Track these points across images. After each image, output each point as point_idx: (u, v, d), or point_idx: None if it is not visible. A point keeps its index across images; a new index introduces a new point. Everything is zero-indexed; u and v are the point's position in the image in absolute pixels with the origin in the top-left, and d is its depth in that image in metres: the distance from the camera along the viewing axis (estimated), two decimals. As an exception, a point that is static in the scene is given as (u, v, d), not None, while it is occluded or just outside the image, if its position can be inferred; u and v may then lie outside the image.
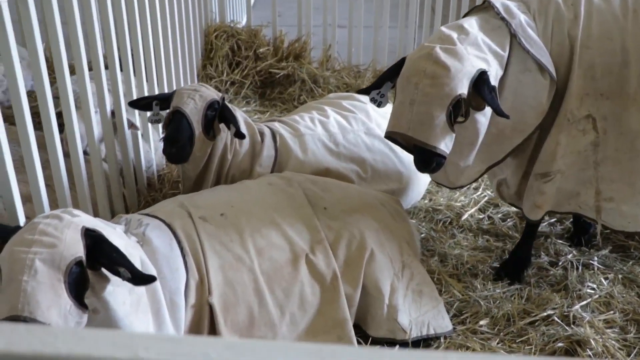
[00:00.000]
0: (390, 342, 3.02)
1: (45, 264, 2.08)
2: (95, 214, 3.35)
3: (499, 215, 4.10)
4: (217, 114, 3.40)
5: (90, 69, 3.39)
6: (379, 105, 3.10)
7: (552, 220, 4.02)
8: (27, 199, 3.02)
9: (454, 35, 2.87)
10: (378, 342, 3.03)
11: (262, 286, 2.79)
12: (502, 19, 2.96)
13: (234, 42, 5.48)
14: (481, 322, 3.23)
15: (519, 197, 3.35)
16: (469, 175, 3.23)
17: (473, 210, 4.14)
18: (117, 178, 3.49)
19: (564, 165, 3.08)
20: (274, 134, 3.71)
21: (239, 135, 3.36)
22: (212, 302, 2.66)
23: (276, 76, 5.49)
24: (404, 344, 3.00)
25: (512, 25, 2.94)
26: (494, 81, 2.86)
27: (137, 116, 3.78)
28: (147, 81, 4.05)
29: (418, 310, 3.07)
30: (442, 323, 3.11)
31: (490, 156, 3.13)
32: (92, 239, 2.23)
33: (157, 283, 2.53)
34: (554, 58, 2.97)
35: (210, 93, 3.39)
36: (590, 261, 3.66)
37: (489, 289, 3.45)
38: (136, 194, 3.80)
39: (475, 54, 2.83)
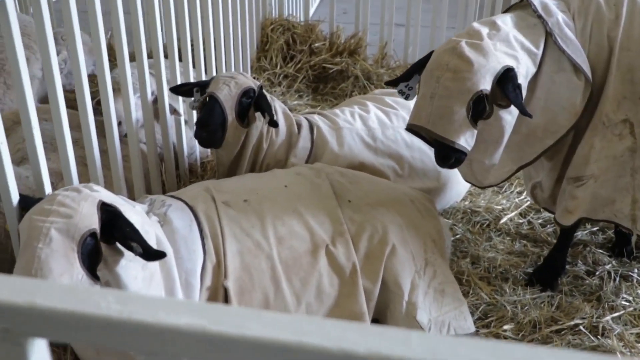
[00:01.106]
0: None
1: (60, 233, 2.18)
2: (131, 196, 3.47)
3: (540, 221, 4.00)
4: (253, 102, 3.45)
5: (150, 57, 3.57)
6: (407, 97, 3.09)
7: (594, 228, 3.90)
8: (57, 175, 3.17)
9: (485, 30, 2.82)
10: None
11: (279, 274, 2.82)
12: (539, 16, 2.89)
13: (289, 35, 5.54)
14: (505, 327, 3.17)
15: (553, 202, 3.27)
16: (498, 175, 3.16)
17: (513, 214, 4.05)
18: (155, 161, 3.59)
19: (597, 170, 2.99)
20: (311, 126, 3.73)
21: (273, 123, 3.41)
22: (228, 285, 2.71)
23: (329, 71, 5.52)
24: (421, 342, 2.97)
25: (548, 23, 2.86)
26: (522, 79, 2.79)
27: (180, 102, 3.87)
28: (205, 72, 4.18)
29: (439, 310, 3.04)
30: (464, 324, 3.07)
31: (521, 156, 3.06)
32: (108, 213, 2.32)
33: (172, 262, 2.61)
34: (591, 59, 2.88)
35: (247, 81, 3.44)
36: (630, 273, 3.53)
37: (519, 294, 3.38)
38: (176, 179, 3.91)
39: (503, 51, 2.77)
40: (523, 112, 2.75)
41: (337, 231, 2.98)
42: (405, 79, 3.07)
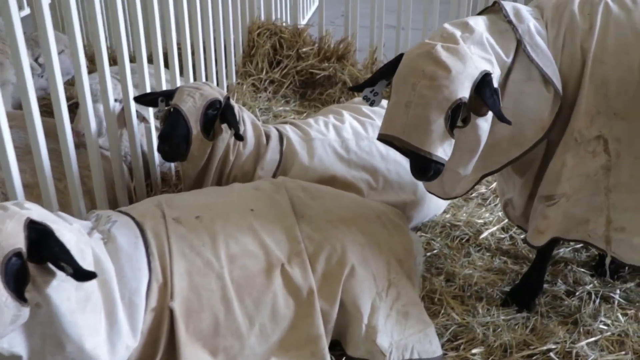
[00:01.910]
0: (370, 363, 2.87)
1: None
2: (93, 206, 3.37)
3: (522, 236, 3.83)
4: (219, 114, 3.34)
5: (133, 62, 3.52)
6: (372, 104, 2.91)
7: (578, 245, 3.73)
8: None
9: (457, 33, 2.64)
10: (357, 361, 2.89)
11: (230, 294, 2.70)
12: (509, 22, 2.73)
13: (276, 40, 5.41)
14: (474, 350, 3.02)
15: (526, 220, 3.11)
16: (464, 184, 2.99)
17: (495, 228, 3.89)
18: (119, 170, 3.48)
19: (570, 189, 2.82)
20: (281, 137, 3.61)
21: (238, 137, 3.29)
22: (173, 306, 2.59)
23: (317, 77, 5.38)
24: (382, 366, 2.84)
25: (518, 30, 2.70)
26: (496, 84, 2.63)
27: (150, 110, 3.77)
28: (181, 76, 4.09)
29: (402, 333, 2.89)
30: (429, 348, 2.92)
31: (484, 165, 2.88)
32: (37, 232, 2.20)
33: (112, 282, 2.49)
34: (563, 71, 2.72)
35: (212, 92, 3.33)
36: (612, 294, 3.36)
37: (493, 315, 3.22)
38: (146, 189, 3.80)
39: (479, 54, 2.60)
40: (501, 118, 2.56)
41: (293, 250, 2.85)
42: (371, 84, 2.88)
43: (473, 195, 4.28)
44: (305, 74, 5.42)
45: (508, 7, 2.79)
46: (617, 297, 3.34)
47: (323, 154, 3.60)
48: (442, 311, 3.25)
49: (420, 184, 3.69)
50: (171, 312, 2.60)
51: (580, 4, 2.77)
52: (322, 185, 3.29)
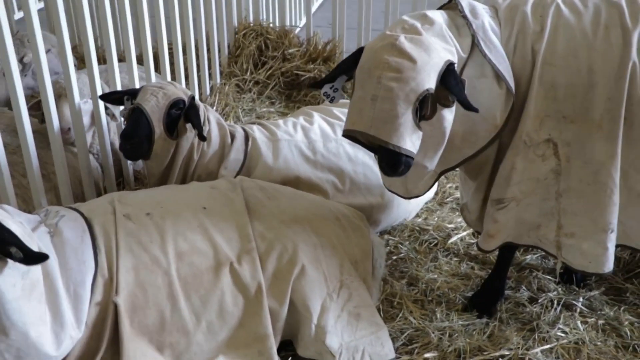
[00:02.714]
0: (319, 364, 2.87)
1: None
2: (58, 202, 3.40)
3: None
4: (183, 114, 3.35)
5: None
6: (332, 100, 2.85)
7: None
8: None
9: (418, 24, 2.60)
10: (307, 362, 2.88)
11: (176, 291, 2.71)
12: (464, 17, 2.71)
13: (262, 41, 5.42)
14: (427, 355, 3.00)
15: (482, 224, 3.07)
16: (425, 183, 2.95)
17: (464, 233, 3.87)
18: (86, 167, 3.51)
19: (519, 193, 2.79)
20: (247, 137, 3.62)
21: (201, 137, 3.30)
22: (117, 301, 2.61)
23: (302, 78, 5.38)
24: (331, 367, 2.83)
25: (472, 25, 2.67)
26: None
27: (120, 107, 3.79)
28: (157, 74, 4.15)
29: (352, 334, 2.88)
30: (381, 350, 2.91)
31: (442, 162, 2.83)
32: None
33: (56, 274, 2.51)
34: (515, 73, 2.69)
35: (176, 91, 3.34)
36: (574, 302, 3.32)
37: (451, 320, 3.20)
38: (117, 187, 3.83)
39: (441, 46, 2.56)
40: (468, 107, 2.51)
41: (244, 249, 2.85)
42: (330, 80, 2.82)
43: (448, 199, 4.26)
44: (290, 75, 5.42)
45: (464, 3, 2.77)
46: (579, 305, 3.30)
47: (288, 154, 3.60)
48: (400, 315, 3.23)
49: (388, 187, 3.69)
50: (116, 307, 2.61)
51: (533, 5, 2.75)
52: (281, 186, 3.28)
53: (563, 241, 2.84)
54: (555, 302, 3.32)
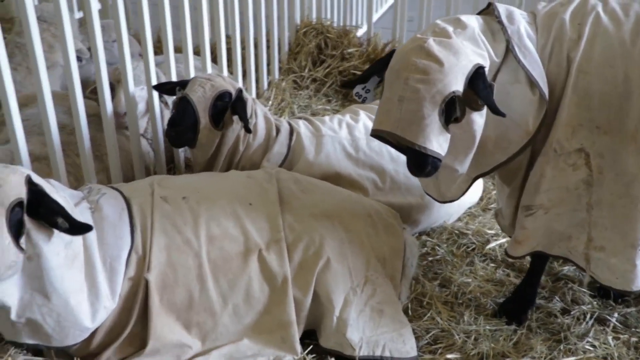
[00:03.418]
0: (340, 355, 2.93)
1: None
2: (108, 182, 3.58)
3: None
4: (230, 106, 3.47)
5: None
6: (364, 101, 2.93)
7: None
8: (36, 158, 3.33)
9: (450, 28, 2.64)
10: (328, 352, 2.94)
11: (206, 273, 2.82)
12: (500, 22, 2.72)
13: (321, 39, 5.51)
14: (449, 356, 3.02)
15: (514, 230, 3.07)
16: (459, 187, 2.95)
17: (504, 240, 3.84)
18: (137, 152, 3.68)
19: (547, 201, 2.77)
20: (292, 132, 3.71)
21: (247, 129, 3.42)
22: (149, 278, 2.74)
23: (359, 78, 5.43)
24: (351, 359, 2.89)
25: (507, 30, 2.68)
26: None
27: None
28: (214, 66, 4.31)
29: (374, 330, 2.93)
30: (402, 348, 2.94)
31: (475, 165, 2.84)
32: (33, 190, 2.42)
33: (94, 248, 2.67)
34: (550, 80, 2.68)
35: (223, 84, 3.46)
36: (608, 317, 3.26)
37: (479, 324, 3.20)
38: (168, 172, 3.99)
39: (472, 49, 2.59)
40: (495, 111, 2.54)
41: (273, 238, 2.94)
42: (362, 81, 2.90)
43: (492, 205, 4.24)
44: (347, 75, 5.48)
45: (501, 8, 2.78)
46: (613, 320, 3.24)
47: (331, 150, 3.68)
48: (428, 315, 3.25)
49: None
50: (147, 283, 2.75)
51: (572, 13, 2.73)
52: (317, 180, 3.36)
53: (592, 254, 2.81)
54: (588, 315, 3.26)
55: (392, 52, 2.73)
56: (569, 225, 2.82)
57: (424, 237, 3.86)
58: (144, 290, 2.75)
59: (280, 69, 5.39)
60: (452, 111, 2.56)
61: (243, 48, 4.85)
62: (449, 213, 3.92)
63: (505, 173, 2.98)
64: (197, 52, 4.31)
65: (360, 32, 5.92)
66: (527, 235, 2.87)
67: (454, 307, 3.34)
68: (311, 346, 2.96)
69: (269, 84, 5.22)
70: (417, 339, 3.10)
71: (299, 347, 2.89)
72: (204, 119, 3.39)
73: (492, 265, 3.68)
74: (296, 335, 2.89)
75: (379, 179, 3.71)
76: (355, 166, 3.68)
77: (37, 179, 2.51)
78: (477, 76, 2.52)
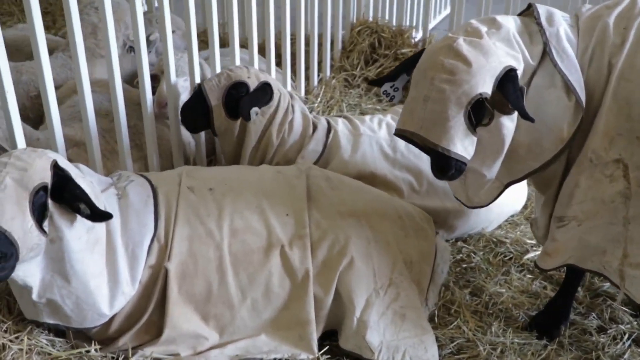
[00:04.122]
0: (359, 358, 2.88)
1: (14, 182, 2.35)
2: (146, 170, 3.63)
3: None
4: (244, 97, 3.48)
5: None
6: (391, 99, 2.87)
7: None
8: (75, 144, 3.41)
9: (483, 28, 2.55)
10: (346, 354, 2.90)
11: (226, 265, 2.82)
12: (539, 24, 2.61)
13: (375, 39, 5.45)
14: (471, 367, 2.93)
15: None
16: (489, 193, 2.85)
17: (544, 251, 3.70)
18: (177, 142, 3.72)
19: (581, 213, 2.64)
20: (329, 130, 3.68)
21: (244, 117, 3.45)
22: (169, 267, 2.77)
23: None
24: (369, 363, 2.83)
25: (546, 32, 2.57)
26: (521, 83, 2.51)
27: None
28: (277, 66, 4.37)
29: (395, 334, 2.87)
30: (423, 355, 2.87)
31: (508, 172, 2.75)
32: (59, 176, 2.48)
33: (117, 234, 2.71)
34: (589, 86, 2.55)
35: (241, 75, 3.48)
36: (647, 338, 3.11)
37: (507, 336, 3.09)
38: (206, 163, 4.02)
39: (504, 50, 2.50)
40: (524, 115, 2.45)
41: (297, 234, 2.92)
42: (391, 79, 2.85)
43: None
44: (400, 75, 5.40)
45: (541, 9, 2.67)
46: (652, 342, 3.08)
47: (368, 149, 3.63)
48: (455, 323, 3.17)
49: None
50: (167, 272, 2.77)
51: (618, 17, 2.59)
52: (349, 178, 3.31)
53: (627, 271, 2.67)
54: (626, 335, 3.11)
55: (422, 50, 2.66)
56: (604, 239, 2.69)
57: (459, 244, 3.76)
58: (164, 278, 2.78)
59: (332, 66, 5.37)
60: (480, 114, 2.48)
61: (294, 44, 4.87)
62: (489, 220, 3.81)
63: (540, 181, 2.86)
64: (244, 46, 4.36)
65: (417, 37, 5.83)
66: (558, 247, 2.75)
67: (483, 317, 3.24)
68: (327, 347, 2.92)
69: (320, 81, 5.20)
70: (441, 347, 3.02)
71: (315, 346, 2.86)
72: (216, 106, 3.44)
73: (529, 276, 3.55)
74: (314, 334, 2.86)
75: (415, 181, 3.64)
76: (391, 167, 3.62)
77: (64, 163, 2.57)
78: (507, 78, 2.43)
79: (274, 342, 2.86)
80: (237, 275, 2.83)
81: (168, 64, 3.50)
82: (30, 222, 2.36)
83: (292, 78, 4.89)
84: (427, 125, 2.47)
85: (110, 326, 2.77)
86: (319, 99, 4.95)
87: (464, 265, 3.60)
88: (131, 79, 4.40)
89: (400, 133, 2.63)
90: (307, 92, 5.06)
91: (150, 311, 2.78)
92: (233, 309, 2.83)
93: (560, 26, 2.61)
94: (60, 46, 4.48)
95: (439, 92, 2.42)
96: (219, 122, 3.45)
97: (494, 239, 3.79)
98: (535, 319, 3.18)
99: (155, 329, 2.78)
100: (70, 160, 3.07)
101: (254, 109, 3.40)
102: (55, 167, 2.49)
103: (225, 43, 4.77)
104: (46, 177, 2.43)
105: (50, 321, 2.69)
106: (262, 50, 4.47)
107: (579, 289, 3.40)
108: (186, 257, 2.81)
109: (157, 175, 3.04)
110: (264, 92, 3.47)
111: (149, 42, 5.10)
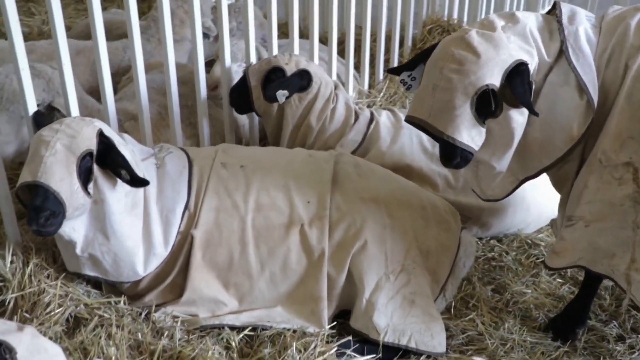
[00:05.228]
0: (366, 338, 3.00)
1: (64, 147, 2.66)
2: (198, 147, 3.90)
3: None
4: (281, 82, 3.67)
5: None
6: (408, 88, 2.95)
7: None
8: (132, 117, 3.72)
9: (499, 22, 2.62)
10: (355, 333, 3.03)
11: (248, 237, 3.02)
12: (559, 21, 2.64)
13: (444, 37, 5.48)
14: (476, 358, 2.99)
15: None
16: (502, 186, 2.90)
17: (579, 257, 3.67)
18: (229, 123, 3.96)
19: (589, 213, 2.65)
20: (371, 121, 3.80)
21: (265, 98, 3.66)
22: (195, 234, 3.00)
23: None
24: (374, 344, 2.96)
25: (564, 30, 2.61)
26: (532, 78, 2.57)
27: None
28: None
29: (402, 319, 2.97)
30: (429, 341, 2.96)
31: (522, 167, 2.80)
32: (104, 144, 2.78)
33: (152, 201, 2.97)
34: (605, 87, 2.57)
35: (279, 61, 3.67)
36: (665, 351, 3.05)
37: (521, 334, 3.13)
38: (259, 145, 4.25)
39: (518, 45, 2.56)
40: (530, 109, 2.52)
41: (317, 215, 3.07)
42: (409, 68, 2.92)
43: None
44: (466, 75, 5.42)
45: (565, 8, 2.70)
46: (669, 355, 3.03)
47: (407, 142, 3.72)
48: (470, 316, 3.23)
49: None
50: (192, 239, 3.01)
51: None
52: (381, 168, 3.42)
53: (633, 276, 2.66)
54: (645, 345, 3.08)
55: (439, 41, 2.76)
56: (614, 243, 2.69)
57: (493, 242, 3.79)
58: (189, 245, 3.01)
59: (399, 62, 5.46)
60: (487, 105, 2.55)
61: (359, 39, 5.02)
62: (526, 222, 3.81)
63: (555, 180, 2.89)
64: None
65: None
66: (565, 246, 2.77)
67: (500, 313, 3.28)
68: (335, 323, 3.07)
69: (386, 76, 5.31)
70: (451, 337, 3.10)
71: (325, 322, 3.01)
72: (255, 88, 3.66)
73: (559, 280, 3.54)
74: (325, 310, 3.01)
75: (452, 177, 3.71)
76: (428, 161, 3.71)
77: (109, 132, 2.85)
78: (516, 72, 2.50)
79: (288, 315, 3.04)
80: (257, 248, 3.03)
81: (223, 48, 3.73)
82: (76, 184, 2.65)
83: (355, 74, 5.04)
84: (434, 114, 2.57)
85: (140, 283, 3.04)
86: (381, 94, 5.06)
87: (494, 264, 3.63)
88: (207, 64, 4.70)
89: (410, 120, 2.74)
90: (370, 86, 5.18)
91: (175, 273, 3.03)
92: (252, 279, 3.03)
93: (581, 25, 2.63)
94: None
95: (447, 82, 2.53)
96: (258, 103, 3.67)
97: (529, 241, 3.80)
98: (553, 320, 3.19)
99: (179, 290, 3.03)
100: (126, 132, 3.39)
101: (282, 92, 3.59)
102: (101, 136, 2.77)
103: (304, 35, 5.01)
104: (92, 145, 2.72)
105: (91, 273, 2.98)
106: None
107: (607, 296, 3.39)
108: (212, 226, 3.03)
109: (195, 150, 3.28)
110: (299, 78, 3.65)
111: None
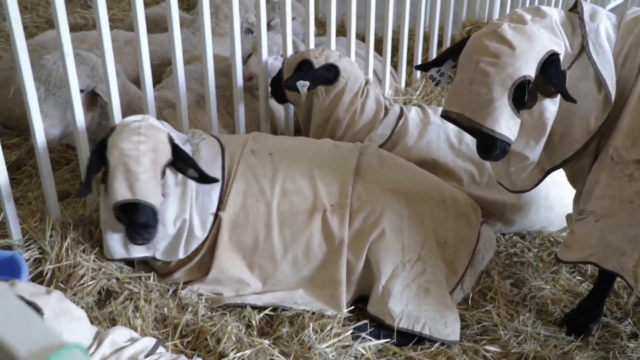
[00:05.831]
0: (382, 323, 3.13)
1: (151, 161, 2.91)
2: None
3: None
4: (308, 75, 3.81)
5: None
6: (437, 84, 3.04)
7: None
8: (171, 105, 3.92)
9: (528, 16, 2.70)
10: (372, 318, 3.16)
11: (273, 222, 3.18)
12: (580, 17, 2.71)
13: (482, 38, 5.54)
14: (489, 347, 3.08)
15: None
16: (532, 177, 2.97)
17: (600, 256, 3.71)
18: (265, 113, 4.13)
19: (599, 208, 2.71)
20: (400, 116, 3.91)
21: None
22: (223, 216, 3.17)
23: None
24: (389, 329, 3.08)
25: (585, 27, 2.68)
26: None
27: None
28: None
29: (417, 306, 3.09)
30: (443, 329, 3.07)
31: (548, 158, 2.86)
32: (175, 148, 3.01)
33: (191, 186, 3.13)
34: (620, 85, 2.64)
35: (309, 54, 3.83)
36: (678, 351, 3.09)
37: (535, 327, 3.20)
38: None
39: (548, 36, 2.63)
40: (567, 97, 2.58)
41: (339, 203, 3.20)
42: (438, 64, 3.01)
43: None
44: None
45: (587, 6, 2.77)
46: (681, 355, 3.06)
47: (434, 138, 3.82)
48: (487, 308, 3.31)
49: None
50: (220, 221, 3.18)
51: None
52: (405, 161, 3.52)
53: None
54: (660, 345, 3.12)
55: (468, 37, 2.83)
56: (624, 241, 2.75)
57: (515, 238, 3.86)
58: (217, 226, 3.18)
59: (437, 62, 5.54)
60: (523, 96, 2.61)
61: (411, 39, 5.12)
62: (549, 219, 3.86)
63: (571, 175, 2.97)
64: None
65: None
66: (575, 239, 2.84)
67: (517, 307, 3.36)
68: (353, 307, 3.20)
69: (423, 75, 5.40)
70: (466, 326, 3.20)
71: (344, 306, 3.14)
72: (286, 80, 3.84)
73: (579, 278, 3.59)
74: (344, 294, 3.15)
75: (477, 173, 3.79)
76: (455, 156, 3.79)
77: (171, 132, 3.09)
78: (550, 62, 2.57)
79: (309, 298, 3.18)
80: (282, 232, 3.18)
81: (260, 41, 3.90)
82: (160, 190, 2.94)
83: (392, 72, 5.15)
84: (472, 107, 2.64)
85: (171, 262, 3.22)
86: (417, 92, 5.16)
87: (515, 259, 3.70)
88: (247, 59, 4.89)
89: (446, 114, 2.82)
90: (407, 84, 5.29)
91: (203, 252, 3.20)
92: (275, 262, 3.18)
93: (602, 23, 2.70)
94: (185, 22, 5.04)
95: (484, 75, 2.60)
96: (289, 93, 3.86)
97: (552, 238, 3.86)
98: (568, 315, 3.26)
99: (206, 269, 3.20)
100: (165, 119, 3.59)
101: (302, 82, 3.73)
102: (171, 142, 2.99)
103: (342, 32, 5.14)
104: (169, 153, 2.97)
105: (140, 255, 3.20)
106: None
107: (625, 295, 3.43)
108: (239, 209, 3.19)
109: (227, 137, 3.45)
110: (325, 71, 3.78)
111: (269, 27, 5.59)
